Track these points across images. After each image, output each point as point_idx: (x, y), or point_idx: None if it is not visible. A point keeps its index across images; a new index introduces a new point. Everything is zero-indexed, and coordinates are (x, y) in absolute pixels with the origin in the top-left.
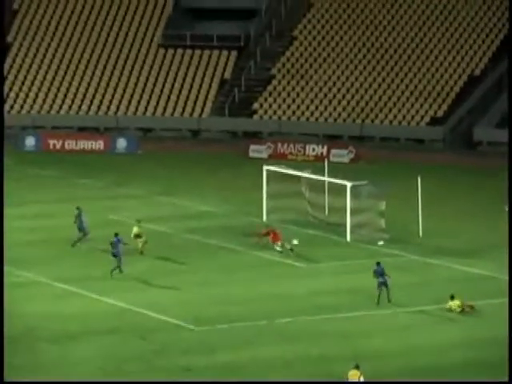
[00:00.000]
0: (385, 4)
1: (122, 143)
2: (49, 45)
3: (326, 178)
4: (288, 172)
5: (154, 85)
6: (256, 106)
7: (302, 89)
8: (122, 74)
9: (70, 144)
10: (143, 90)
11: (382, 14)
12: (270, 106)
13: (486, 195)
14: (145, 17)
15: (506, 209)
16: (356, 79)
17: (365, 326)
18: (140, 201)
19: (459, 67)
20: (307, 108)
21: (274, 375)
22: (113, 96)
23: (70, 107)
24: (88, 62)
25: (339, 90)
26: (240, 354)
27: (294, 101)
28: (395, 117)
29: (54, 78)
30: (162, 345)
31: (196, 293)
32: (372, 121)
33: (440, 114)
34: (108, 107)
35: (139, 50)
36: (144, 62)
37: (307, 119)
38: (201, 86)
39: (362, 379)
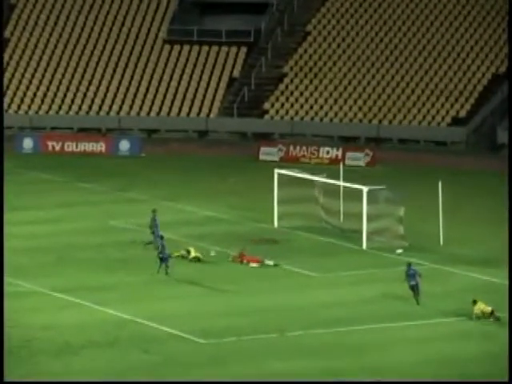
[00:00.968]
0: None
1: (124, 145)
2: (48, 41)
3: (341, 183)
4: (301, 176)
5: (159, 83)
6: (267, 105)
7: (316, 87)
8: (124, 71)
9: (69, 146)
10: (147, 89)
11: (400, 8)
12: (282, 105)
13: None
14: (149, 11)
15: None
16: (373, 77)
17: (381, 339)
18: (143, 206)
19: (483, 65)
20: (321, 108)
21: None
22: (115, 95)
23: (70, 107)
24: (89, 58)
25: (355, 88)
26: (249, 369)
27: (307, 100)
28: (414, 117)
29: (53, 76)
30: (166, 358)
31: (203, 303)
32: (390, 121)
33: (462, 114)
34: (110, 107)
35: (143, 46)
36: (148, 58)
37: (321, 120)
38: (208, 84)
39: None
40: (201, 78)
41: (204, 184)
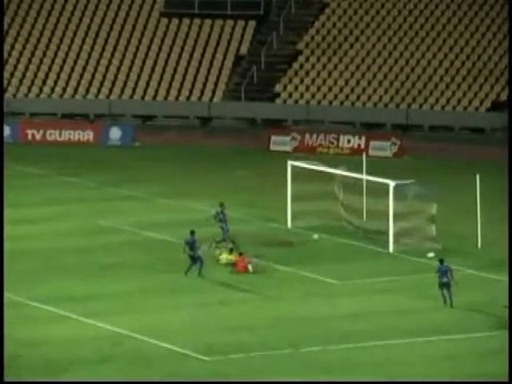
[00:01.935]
0: None
1: (115, 134)
2: (26, 13)
3: (364, 176)
4: (317, 169)
5: (155, 62)
6: (279, 87)
7: (335, 67)
8: (115, 48)
9: (52, 134)
10: (141, 69)
11: None
12: (296, 87)
13: None
14: None
15: None
16: (401, 55)
17: (409, 356)
18: (138, 204)
19: None
20: (341, 90)
21: None
22: (104, 76)
23: (53, 89)
24: (74, 34)
25: (380, 68)
26: None
27: (324, 82)
28: (448, 101)
29: (32, 54)
30: (166, 377)
31: (207, 315)
32: (420, 106)
33: (503, 97)
34: (98, 90)
35: (137, 20)
36: (143, 34)
37: (341, 104)
38: (211, 63)
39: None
40: (203, 56)
41: (207, 178)
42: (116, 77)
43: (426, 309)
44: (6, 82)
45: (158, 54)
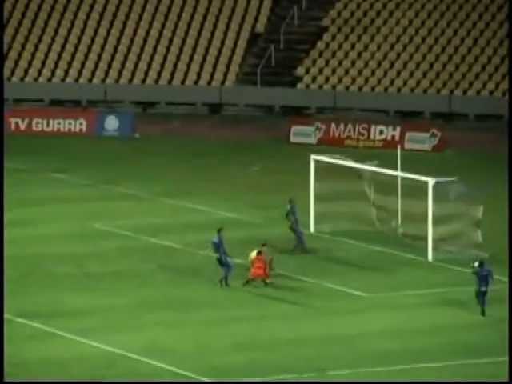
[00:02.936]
0: None
1: (112, 123)
2: None
3: (399, 173)
4: (345, 164)
5: (157, 41)
6: (300, 70)
7: (366, 47)
8: (112, 24)
9: (39, 124)
10: (142, 49)
11: None
12: (321, 70)
13: None
14: None
15: None
16: (442, 33)
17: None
18: (137, 204)
19: None
20: (372, 74)
21: None
22: (99, 57)
23: (40, 72)
24: (65, 9)
25: (417, 47)
26: None
27: (353, 64)
28: (497, 85)
29: (16, 31)
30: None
31: (214, 333)
32: (464, 91)
33: None
34: (92, 73)
35: None
36: (143, 8)
37: (372, 89)
38: (223, 43)
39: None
40: (213, 34)
41: (217, 175)
42: (113, 57)
43: (470, 326)
44: None
45: (161, 32)
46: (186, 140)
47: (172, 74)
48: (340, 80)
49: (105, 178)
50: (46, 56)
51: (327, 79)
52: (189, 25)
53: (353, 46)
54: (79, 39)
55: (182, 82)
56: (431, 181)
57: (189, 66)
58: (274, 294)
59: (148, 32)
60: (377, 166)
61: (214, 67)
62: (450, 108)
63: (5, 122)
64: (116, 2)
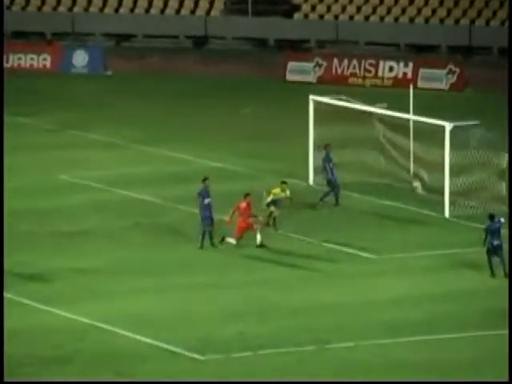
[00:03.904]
0: None
1: (80, 59)
2: None
3: (412, 116)
4: (350, 106)
5: None
6: None
7: None
8: None
9: None
10: None
11: None
12: None
13: None
14: None
15: None
16: None
17: (467, 355)
18: (109, 152)
19: None
20: (381, 1)
21: None
22: None
23: None
24: None
25: None
26: None
27: None
28: None
29: None
30: (148, 380)
31: (200, 302)
32: (487, 22)
33: None
34: (58, 0)
35: None
36: None
37: (381, 19)
38: None
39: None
40: None
41: (202, 119)
42: None
43: (492, 291)
44: None
45: None
46: (166, 78)
47: (150, 3)
48: (343, 9)
49: (72, 123)
50: None
51: (328, 8)
52: None
53: None
54: None
55: (162, 12)
56: (448, 125)
57: None
58: (265, 255)
59: None
60: (386, 108)
61: None
62: (470, 41)
63: None
64: None
